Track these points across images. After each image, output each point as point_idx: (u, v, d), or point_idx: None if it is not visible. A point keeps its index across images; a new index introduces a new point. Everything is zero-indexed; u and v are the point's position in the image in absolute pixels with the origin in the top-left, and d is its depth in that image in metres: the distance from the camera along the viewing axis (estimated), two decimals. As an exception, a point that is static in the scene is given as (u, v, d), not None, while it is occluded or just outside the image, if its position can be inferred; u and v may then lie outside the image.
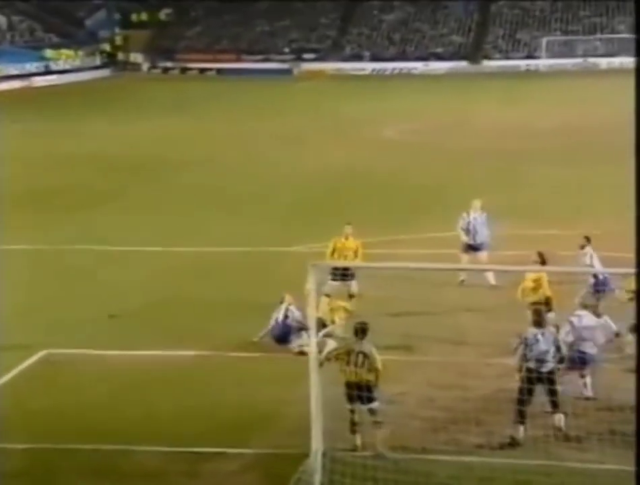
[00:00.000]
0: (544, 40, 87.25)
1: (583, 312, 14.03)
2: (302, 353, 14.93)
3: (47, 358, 16.26)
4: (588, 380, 13.76)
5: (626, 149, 38.21)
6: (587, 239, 17.23)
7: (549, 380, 12.87)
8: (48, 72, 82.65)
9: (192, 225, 26.28)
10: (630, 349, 14.82)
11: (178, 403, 14.34)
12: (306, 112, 54.79)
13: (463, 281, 19.45)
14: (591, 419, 13.02)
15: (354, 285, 18.06)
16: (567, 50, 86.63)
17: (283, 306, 16.66)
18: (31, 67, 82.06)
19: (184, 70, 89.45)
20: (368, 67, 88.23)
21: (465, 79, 75.05)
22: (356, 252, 18.40)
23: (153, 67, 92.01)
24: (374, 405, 12.47)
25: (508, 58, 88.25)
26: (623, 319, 15.02)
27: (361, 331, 12.87)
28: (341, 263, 17.86)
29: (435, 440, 12.61)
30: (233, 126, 49.22)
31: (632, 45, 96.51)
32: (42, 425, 13.65)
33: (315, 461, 11.93)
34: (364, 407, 12.47)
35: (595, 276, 16.44)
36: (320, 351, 12.43)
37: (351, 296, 17.99)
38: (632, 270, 14.88)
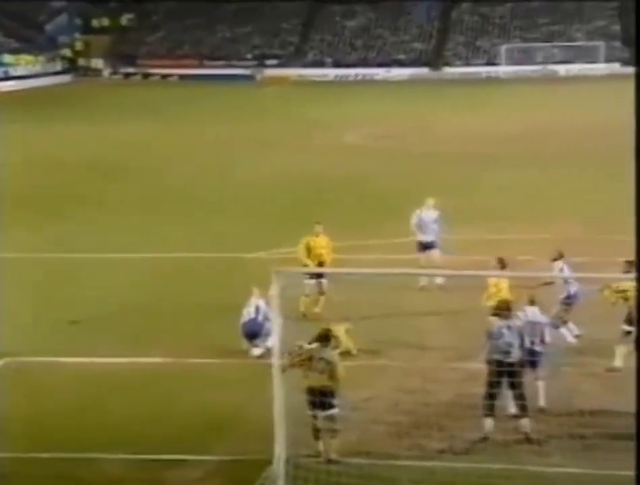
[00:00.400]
0: (504, 47, 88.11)
1: (530, 308, 14.06)
2: (263, 356, 14.92)
3: (7, 366, 16.09)
4: (542, 386, 13.62)
5: (585, 154, 38.81)
6: (559, 253, 17.10)
7: (513, 372, 12.96)
8: (7, 78, 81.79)
9: (153, 231, 26.17)
10: (620, 362, 14.89)
11: (140, 410, 14.26)
12: (269, 118, 54.80)
13: (423, 287, 19.57)
14: (552, 423, 13.14)
15: (325, 283, 18.28)
16: (526, 57, 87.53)
17: (253, 302, 16.63)
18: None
19: (146, 76, 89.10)
20: (330, 73, 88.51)
21: (427, 86, 75.55)
22: (327, 249, 18.74)
23: (115, 72, 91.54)
24: (333, 412, 12.48)
25: (468, 65, 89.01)
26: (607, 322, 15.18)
27: (324, 337, 12.88)
28: (304, 270, 17.89)
29: (399, 446, 12.66)
30: (196, 132, 49.09)
31: (589, 52, 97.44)
32: (1, 434, 13.48)
33: (278, 467, 11.92)
34: (323, 414, 12.48)
35: (567, 284, 16.50)
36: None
37: (321, 293, 18.12)
38: (619, 275, 15.21)
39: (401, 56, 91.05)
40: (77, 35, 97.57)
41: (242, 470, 12.30)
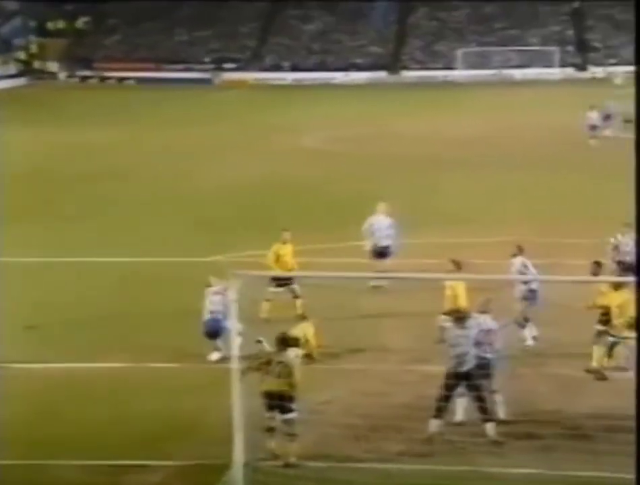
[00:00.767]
0: (461, 52, 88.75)
1: (482, 315, 14.02)
2: (222, 359, 14.96)
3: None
4: (497, 397, 13.59)
5: (540, 157, 39.13)
6: (519, 248, 17.24)
7: (470, 376, 13.06)
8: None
9: (111, 237, 25.99)
10: (597, 362, 14.90)
11: (99, 415, 14.16)
12: (227, 122, 54.65)
13: (380, 287, 19.64)
14: (509, 424, 13.27)
15: (296, 288, 18.29)
16: (483, 62, 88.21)
17: (208, 297, 16.56)
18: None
19: (102, 79, 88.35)
20: (288, 76, 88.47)
21: (385, 89, 75.82)
22: (292, 256, 18.89)
23: (71, 75, 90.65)
24: (291, 415, 12.50)
25: (426, 68, 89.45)
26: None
27: (282, 341, 12.90)
28: (263, 273, 17.91)
29: (357, 448, 12.71)
30: (153, 136, 48.80)
31: (544, 57, 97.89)
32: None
33: (238, 471, 11.92)
34: (281, 418, 12.49)
35: (528, 285, 16.62)
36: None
37: (296, 297, 18.23)
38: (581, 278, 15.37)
39: (359, 60, 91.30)
40: (32, 38, 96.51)
41: (201, 475, 12.28)
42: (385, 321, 18.23)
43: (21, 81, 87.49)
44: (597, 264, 16.64)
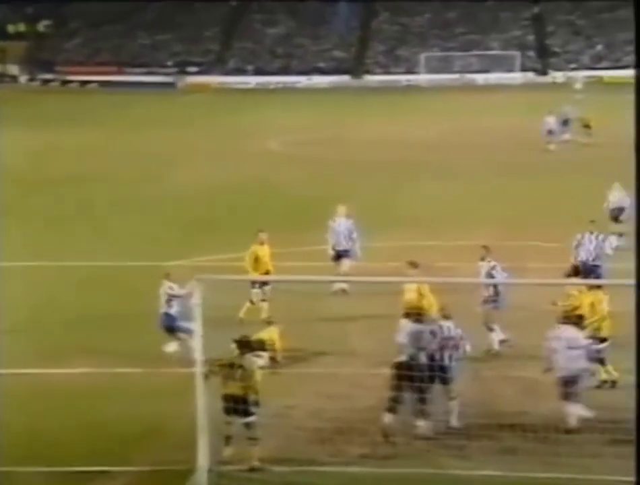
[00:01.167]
0: (423, 56, 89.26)
1: (444, 322, 13.91)
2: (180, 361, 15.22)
3: None
4: (454, 405, 13.59)
5: (501, 161, 39.28)
6: (487, 250, 17.26)
7: (417, 377, 13.15)
8: None
9: (74, 240, 25.81)
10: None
11: (61, 421, 14.04)
12: (191, 126, 54.49)
13: (336, 291, 19.68)
14: (471, 426, 13.34)
15: (267, 291, 18.33)
16: (445, 66, 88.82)
17: (164, 290, 16.61)
18: None
19: (64, 82, 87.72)
20: (252, 80, 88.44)
21: (348, 93, 76.03)
22: (269, 257, 18.93)
23: (32, 79, 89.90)
24: (251, 419, 12.48)
25: (389, 73, 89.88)
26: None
27: (242, 344, 12.87)
28: (230, 278, 17.82)
29: (322, 452, 12.72)
30: (116, 140, 48.52)
31: (505, 61, 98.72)
32: None
33: (201, 476, 11.88)
34: (241, 421, 12.46)
35: (494, 287, 16.70)
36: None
37: (264, 300, 18.22)
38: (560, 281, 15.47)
39: (322, 64, 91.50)
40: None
41: (164, 480, 12.21)
42: (349, 324, 18.26)
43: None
44: (576, 269, 16.94)
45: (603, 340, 14.60)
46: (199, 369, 11.87)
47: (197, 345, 12.13)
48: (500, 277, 16.59)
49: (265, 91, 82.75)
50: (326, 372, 15.65)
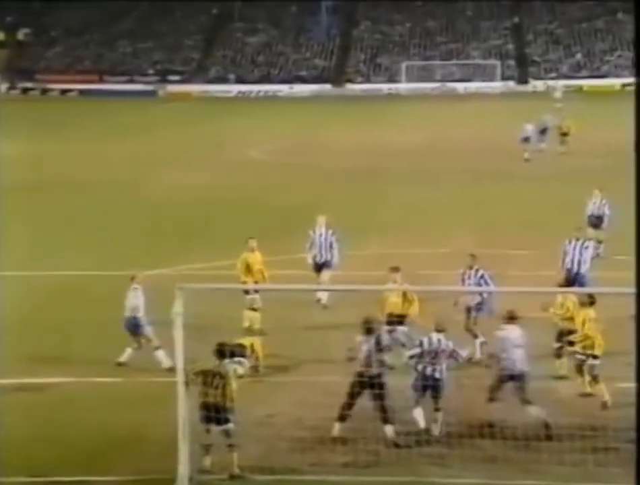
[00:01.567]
0: (404, 65, 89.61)
1: (436, 335, 13.83)
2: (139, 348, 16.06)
3: None
4: (439, 416, 13.56)
5: (481, 169, 39.35)
6: (473, 258, 17.21)
7: (374, 385, 13.21)
8: None
9: (49, 249, 25.66)
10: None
11: (38, 431, 13.92)
12: (172, 134, 54.43)
13: (320, 300, 19.66)
14: (452, 435, 13.36)
15: (258, 299, 18.25)
16: (426, 75, 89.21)
17: (131, 293, 16.64)
18: None
19: (45, 91, 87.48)
20: (233, 89, 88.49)
21: (329, 102, 76.18)
22: (263, 264, 18.97)
23: (12, 87, 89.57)
24: (228, 426, 12.44)
25: (370, 81, 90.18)
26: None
27: (220, 352, 12.83)
28: (208, 287, 17.77)
29: (303, 461, 12.70)
30: (96, 148, 48.38)
31: (486, 70, 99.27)
32: None
33: (182, 485, 11.83)
34: (219, 429, 12.42)
35: (481, 295, 16.73)
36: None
37: (254, 310, 18.10)
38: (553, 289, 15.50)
39: (303, 73, 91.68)
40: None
41: (145, 490, 12.15)
42: (330, 333, 18.22)
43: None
44: (567, 279, 17.03)
45: (595, 357, 14.55)
46: (180, 378, 11.83)
47: (178, 353, 12.09)
48: (492, 284, 16.64)
49: (246, 99, 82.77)
50: (307, 380, 15.63)
